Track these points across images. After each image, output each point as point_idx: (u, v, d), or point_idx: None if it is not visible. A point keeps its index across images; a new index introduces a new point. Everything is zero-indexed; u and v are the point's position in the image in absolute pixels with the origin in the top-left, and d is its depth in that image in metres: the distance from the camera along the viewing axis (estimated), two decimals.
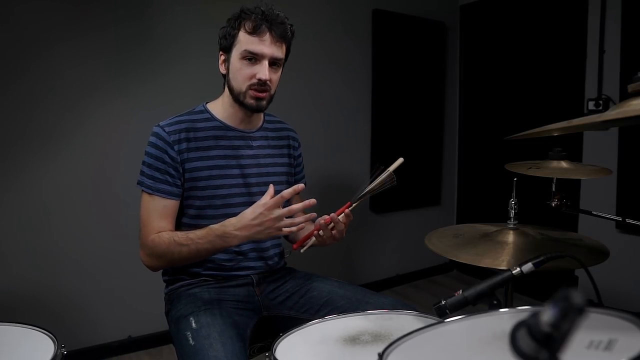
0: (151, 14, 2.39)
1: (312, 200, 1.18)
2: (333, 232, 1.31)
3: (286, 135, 1.56)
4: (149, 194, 1.32)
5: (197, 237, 1.26)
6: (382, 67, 3.17)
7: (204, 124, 1.39)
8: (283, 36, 1.32)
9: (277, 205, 1.19)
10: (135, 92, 2.37)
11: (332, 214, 1.28)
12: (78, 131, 2.27)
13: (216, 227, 1.25)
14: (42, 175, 2.21)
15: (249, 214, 1.22)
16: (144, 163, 1.34)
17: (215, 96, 1.47)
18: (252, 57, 1.31)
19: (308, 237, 1.34)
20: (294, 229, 1.21)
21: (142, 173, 1.33)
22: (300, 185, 1.25)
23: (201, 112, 1.42)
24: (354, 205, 1.32)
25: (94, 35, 2.24)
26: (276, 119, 1.57)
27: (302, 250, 1.34)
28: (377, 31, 3.12)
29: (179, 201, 1.35)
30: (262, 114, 1.51)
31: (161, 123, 1.36)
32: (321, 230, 1.31)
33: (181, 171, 1.33)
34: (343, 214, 1.31)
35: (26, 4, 2.09)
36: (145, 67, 2.38)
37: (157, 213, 1.32)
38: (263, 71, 1.30)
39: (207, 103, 1.45)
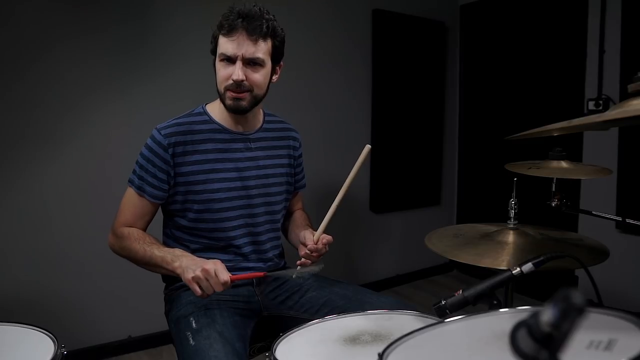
0: (151, 14, 2.39)
1: None
2: (314, 255, 1.32)
3: (287, 136, 1.55)
4: (133, 189, 1.37)
5: (157, 248, 1.30)
6: (382, 67, 3.17)
7: (202, 126, 1.38)
8: (258, 32, 1.27)
9: (219, 275, 1.16)
10: (136, 92, 2.37)
11: (310, 245, 1.31)
12: (78, 131, 2.27)
13: (179, 249, 1.31)
14: (42, 176, 2.21)
15: (209, 262, 1.21)
16: (137, 162, 1.37)
17: (215, 97, 1.47)
18: (227, 58, 1.29)
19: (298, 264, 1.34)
20: (200, 293, 1.17)
21: (133, 172, 1.38)
22: None
23: (200, 114, 1.42)
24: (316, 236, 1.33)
25: (94, 35, 2.24)
26: (277, 118, 1.56)
27: (293, 276, 1.34)
28: (377, 31, 3.12)
29: (158, 205, 1.40)
30: (261, 114, 1.50)
31: (159, 126, 1.36)
32: (303, 259, 1.33)
33: (172, 175, 1.34)
34: (320, 240, 1.32)
35: (26, 3, 2.09)
36: (146, 67, 2.38)
37: (134, 209, 1.37)
38: (236, 71, 1.28)
39: (206, 104, 1.45)
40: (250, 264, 1.42)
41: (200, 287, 1.15)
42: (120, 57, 2.31)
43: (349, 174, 1.32)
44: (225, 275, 1.16)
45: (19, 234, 2.17)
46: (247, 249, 1.41)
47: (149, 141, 1.35)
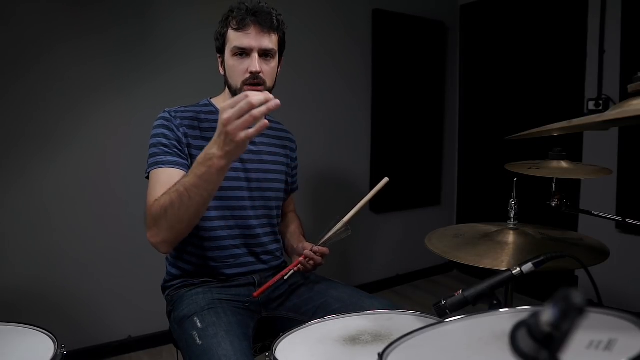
0: (151, 14, 2.39)
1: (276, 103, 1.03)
2: (311, 263, 1.35)
3: (285, 137, 1.58)
4: (158, 169, 1.27)
5: (184, 177, 1.16)
6: (382, 67, 3.17)
7: (208, 116, 1.40)
8: (269, 26, 1.32)
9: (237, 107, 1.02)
10: (136, 92, 2.37)
11: (306, 251, 1.35)
12: (78, 131, 2.27)
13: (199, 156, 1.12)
14: (42, 175, 2.21)
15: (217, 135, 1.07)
16: (151, 146, 1.31)
17: (216, 94, 1.48)
18: (242, 52, 1.32)
19: (292, 268, 1.37)
20: (250, 131, 1.03)
21: (150, 155, 1.30)
22: None
23: (206, 105, 1.44)
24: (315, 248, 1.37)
25: (94, 35, 2.25)
26: (275, 120, 1.59)
27: (285, 278, 1.36)
28: (377, 31, 3.12)
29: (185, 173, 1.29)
30: None
31: (167, 109, 1.37)
32: (300, 265, 1.36)
33: (186, 152, 1.33)
34: (318, 249, 1.36)
35: (27, 4, 2.09)
36: (146, 67, 2.38)
37: (161, 184, 1.23)
38: (253, 64, 1.31)
39: (210, 98, 1.48)
40: (250, 260, 1.42)
41: (242, 129, 1.02)
42: (120, 57, 2.32)
43: (360, 200, 1.38)
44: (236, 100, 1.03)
45: (19, 233, 2.17)
46: (238, 241, 1.40)
47: (159, 121, 1.33)
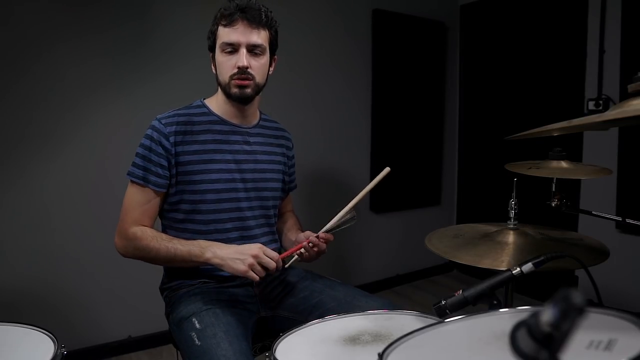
0: (151, 14, 2.39)
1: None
2: (315, 249, 1.33)
3: (281, 135, 1.57)
4: (139, 184, 1.33)
5: (179, 242, 1.29)
6: (382, 67, 3.17)
7: (201, 117, 1.40)
8: (258, 22, 1.32)
9: (269, 254, 1.23)
10: (136, 92, 2.37)
11: (312, 237, 1.32)
12: (78, 131, 2.27)
13: (202, 240, 1.30)
14: (42, 176, 2.21)
15: (240, 246, 1.27)
16: (137, 155, 1.35)
17: (210, 95, 1.48)
18: (230, 48, 1.32)
19: (294, 251, 1.35)
20: (258, 279, 1.23)
21: (134, 164, 1.35)
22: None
23: (198, 106, 1.44)
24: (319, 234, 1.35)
25: (94, 35, 2.25)
26: (271, 118, 1.58)
27: (286, 266, 1.35)
28: (377, 31, 3.12)
29: (162, 196, 1.37)
30: (258, 112, 1.51)
31: (159, 116, 1.37)
32: (302, 249, 1.32)
33: (173, 164, 1.34)
34: (323, 235, 1.33)
35: (27, 4, 2.09)
36: (146, 67, 2.38)
37: (140, 205, 1.34)
38: (241, 59, 1.31)
39: (204, 99, 1.47)
40: None
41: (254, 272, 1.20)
42: (120, 57, 2.32)
43: (363, 188, 1.37)
44: (272, 252, 1.23)
45: (19, 233, 2.17)
46: (236, 242, 1.40)
47: (149, 131, 1.35)
